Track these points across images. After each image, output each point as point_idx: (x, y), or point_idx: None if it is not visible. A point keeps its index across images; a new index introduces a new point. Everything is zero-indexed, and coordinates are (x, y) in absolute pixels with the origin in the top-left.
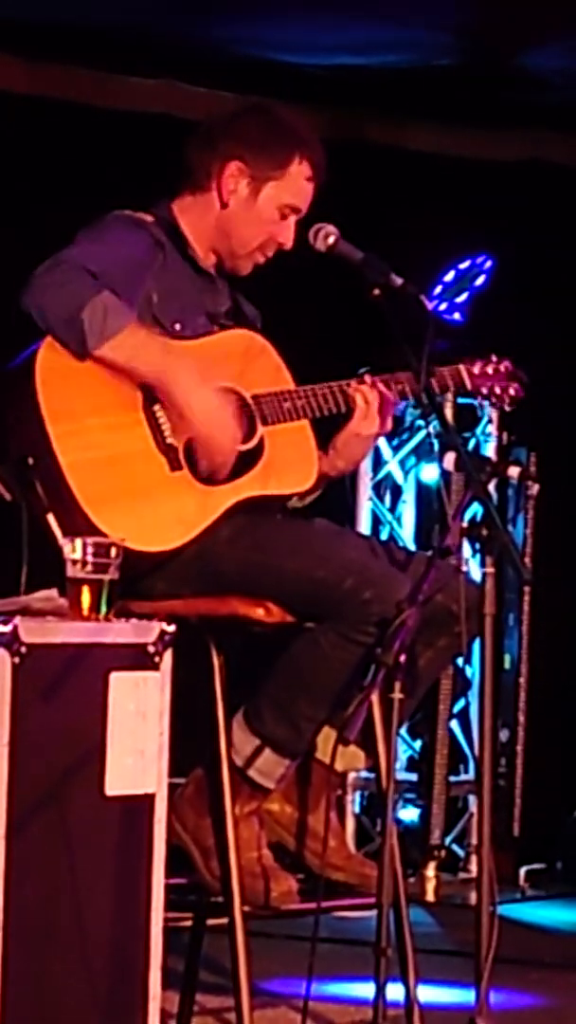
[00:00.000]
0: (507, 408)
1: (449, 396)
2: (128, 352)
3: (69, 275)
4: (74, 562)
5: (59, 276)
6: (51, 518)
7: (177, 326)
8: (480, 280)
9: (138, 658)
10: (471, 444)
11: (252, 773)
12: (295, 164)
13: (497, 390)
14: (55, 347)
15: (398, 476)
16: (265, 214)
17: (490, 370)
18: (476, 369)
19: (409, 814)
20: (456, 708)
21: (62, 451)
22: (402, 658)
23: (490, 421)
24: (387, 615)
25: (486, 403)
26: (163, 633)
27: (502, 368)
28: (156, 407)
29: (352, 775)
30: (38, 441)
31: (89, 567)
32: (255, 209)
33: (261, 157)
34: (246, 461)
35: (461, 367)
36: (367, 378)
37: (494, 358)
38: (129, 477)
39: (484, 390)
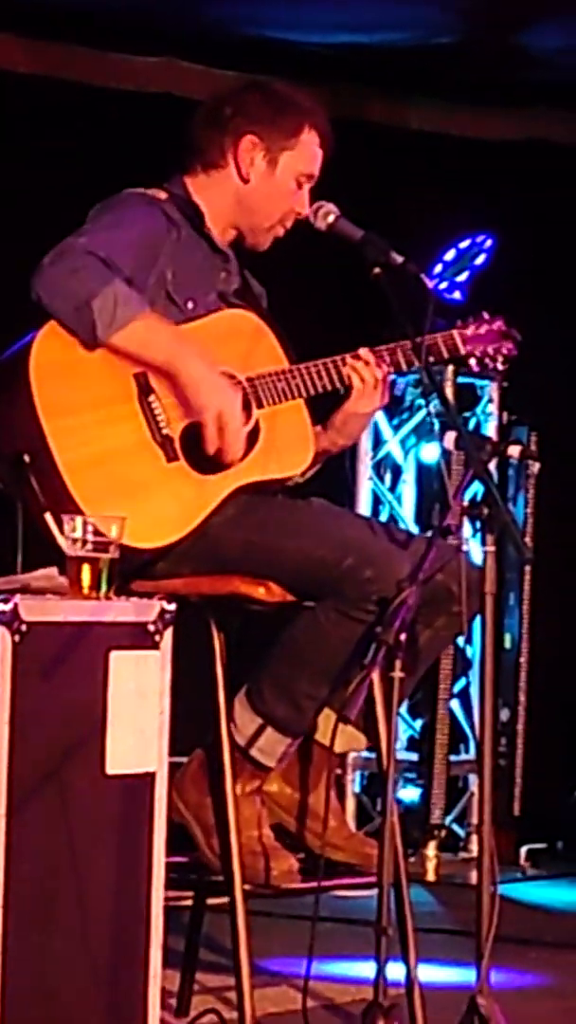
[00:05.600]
0: (501, 367)
1: (449, 376)
2: (139, 341)
3: (79, 263)
4: (74, 540)
5: (70, 264)
6: (48, 517)
7: (190, 304)
8: (480, 259)
9: (138, 636)
10: (471, 423)
11: (254, 752)
12: (305, 132)
13: (491, 350)
14: (49, 340)
15: (398, 456)
16: (284, 185)
17: (483, 330)
18: (469, 331)
19: (409, 794)
20: (456, 688)
21: (58, 449)
22: (402, 637)
23: (490, 400)
24: (387, 593)
25: (486, 381)
26: (163, 612)
27: (495, 327)
28: (151, 397)
29: (352, 755)
30: (34, 438)
31: (89, 545)
32: (275, 180)
33: (273, 129)
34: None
35: (454, 332)
36: (361, 352)
37: (486, 316)
38: (126, 472)
39: (478, 352)
